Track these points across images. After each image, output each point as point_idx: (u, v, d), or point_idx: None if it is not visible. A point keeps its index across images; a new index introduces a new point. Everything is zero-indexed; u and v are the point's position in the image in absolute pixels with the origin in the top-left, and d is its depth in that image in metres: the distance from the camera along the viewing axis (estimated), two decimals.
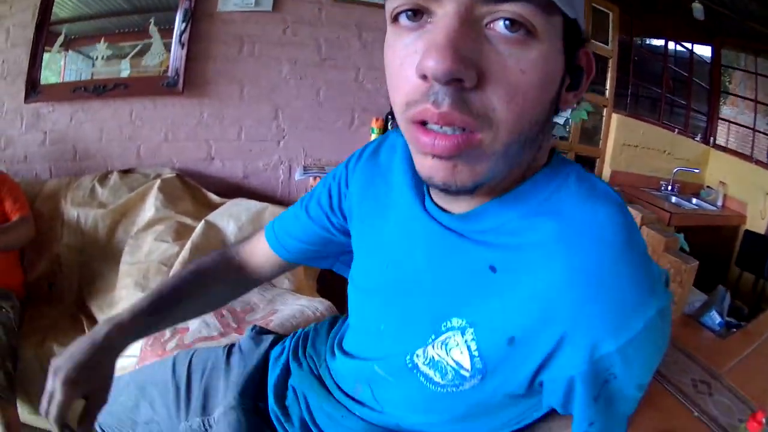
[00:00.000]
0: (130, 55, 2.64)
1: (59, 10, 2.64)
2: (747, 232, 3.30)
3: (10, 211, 2.30)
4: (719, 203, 3.61)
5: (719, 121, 3.85)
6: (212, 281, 0.98)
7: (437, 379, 0.66)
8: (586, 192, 0.60)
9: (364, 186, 0.78)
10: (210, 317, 1.69)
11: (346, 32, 2.44)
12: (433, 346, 0.66)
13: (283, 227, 0.94)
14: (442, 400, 0.67)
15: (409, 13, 0.51)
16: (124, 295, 2.05)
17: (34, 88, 2.71)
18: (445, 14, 0.48)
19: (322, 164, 2.42)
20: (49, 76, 2.77)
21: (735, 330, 1.27)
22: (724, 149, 3.80)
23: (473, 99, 0.48)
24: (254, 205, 2.16)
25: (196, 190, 2.42)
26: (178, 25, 2.51)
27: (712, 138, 3.80)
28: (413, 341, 0.68)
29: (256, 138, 2.48)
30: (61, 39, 2.69)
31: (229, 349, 1.06)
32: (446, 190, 0.55)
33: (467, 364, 0.63)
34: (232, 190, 2.36)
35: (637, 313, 0.54)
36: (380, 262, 0.74)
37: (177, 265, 2.01)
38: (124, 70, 2.65)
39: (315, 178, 2.34)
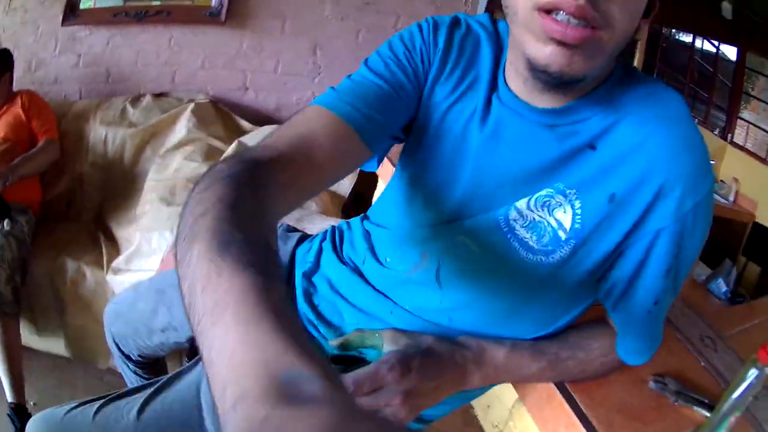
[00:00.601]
0: None
1: None
2: (755, 224, 3.31)
3: (37, 131, 2.29)
4: (731, 198, 3.61)
5: (738, 120, 3.85)
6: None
7: (532, 242, 0.69)
8: (659, 86, 0.68)
9: (449, 56, 0.74)
10: None
11: None
12: (534, 207, 0.69)
13: (347, 91, 0.71)
14: (523, 274, 0.70)
15: None
16: (147, 209, 2.02)
17: (73, 12, 2.69)
18: None
19: None
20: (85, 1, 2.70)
21: (740, 301, 1.27)
22: (741, 148, 3.79)
23: (601, 0, 0.53)
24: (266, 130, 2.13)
25: (227, 116, 2.43)
26: None
27: (729, 135, 3.80)
28: (507, 198, 0.70)
29: (291, 72, 2.47)
30: None
31: None
32: (555, 79, 0.58)
33: (568, 224, 0.67)
34: (262, 121, 2.35)
35: (706, 177, 0.64)
36: (461, 133, 0.73)
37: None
38: None
39: None
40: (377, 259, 0.81)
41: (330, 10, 2.44)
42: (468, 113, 0.71)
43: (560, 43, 0.55)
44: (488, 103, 0.70)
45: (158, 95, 2.51)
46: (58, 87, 2.74)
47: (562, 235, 0.67)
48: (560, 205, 0.67)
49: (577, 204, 0.67)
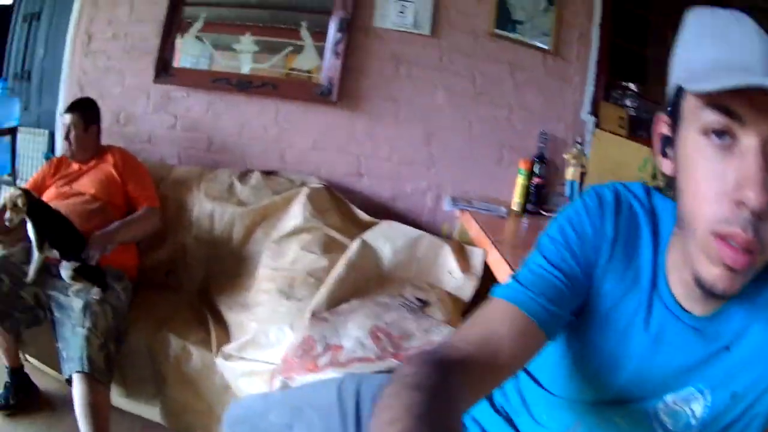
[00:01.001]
0: (280, 55, 2.52)
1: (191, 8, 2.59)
2: None
3: (136, 195, 2.25)
4: None
5: None
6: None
7: (669, 425, 0.79)
8: None
9: (616, 246, 0.78)
10: (366, 339, 1.64)
11: (499, 69, 2.45)
12: (677, 400, 0.78)
13: (530, 284, 0.74)
14: None
15: (718, 132, 0.60)
16: (265, 300, 1.99)
17: (165, 70, 2.65)
18: (750, 146, 0.59)
19: (469, 197, 2.43)
20: (180, 59, 2.71)
21: None
22: None
23: (762, 229, 0.60)
24: (410, 231, 2.11)
25: (343, 204, 2.37)
26: (333, 33, 2.47)
27: None
28: (658, 392, 0.78)
29: (406, 161, 2.46)
30: (198, 24, 2.63)
31: None
32: (715, 295, 0.66)
33: (699, 414, 0.77)
34: (377, 210, 2.34)
35: None
36: (625, 328, 0.79)
37: (332, 283, 1.90)
38: (273, 68, 2.53)
39: (462, 211, 2.34)
40: (533, 417, 0.86)
41: (443, 99, 2.44)
42: (632, 310, 0.78)
43: (728, 267, 0.62)
44: (650, 303, 0.77)
45: (267, 173, 2.45)
46: (153, 147, 2.71)
47: (693, 422, 0.78)
48: (697, 399, 0.77)
49: (708, 399, 0.77)
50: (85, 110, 2.29)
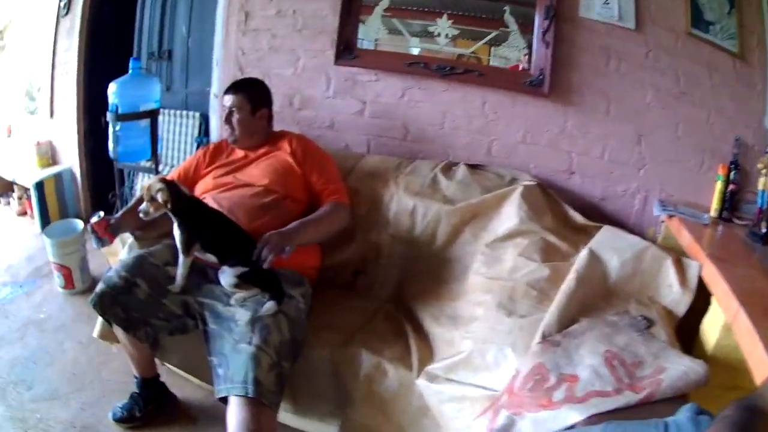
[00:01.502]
0: (483, 42, 2.41)
1: None
2: None
3: (320, 188, 2.01)
4: None
5: None
6: None
7: None
8: None
9: None
10: (602, 366, 1.43)
11: (698, 69, 2.32)
12: None
13: None
14: None
15: None
16: (481, 314, 1.74)
17: (349, 51, 2.48)
18: None
19: (674, 202, 2.30)
20: (363, 41, 2.52)
21: None
22: None
23: None
24: (636, 240, 1.86)
25: (557, 205, 2.14)
26: (540, 22, 2.31)
27: None
28: None
29: (617, 160, 2.32)
30: (384, 2, 2.44)
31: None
32: None
33: None
34: (585, 210, 2.17)
35: None
36: None
37: (563, 299, 1.64)
38: (475, 55, 2.41)
39: (670, 216, 2.21)
40: None
41: (651, 98, 2.30)
42: None
43: None
44: None
45: (473, 166, 2.26)
46: (336, 134, 2.54)
47: None
48: None
49: None
50: (253, 91, 2.08)
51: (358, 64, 2.41)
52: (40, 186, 3.75)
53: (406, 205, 2.13)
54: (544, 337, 1.50)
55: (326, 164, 2.05)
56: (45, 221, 3.77)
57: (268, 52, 2.64)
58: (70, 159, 3.96)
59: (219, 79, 2.82)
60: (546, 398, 1.32)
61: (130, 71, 2.64)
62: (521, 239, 1.95)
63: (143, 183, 1.96)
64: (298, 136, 2.11)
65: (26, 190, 3.92)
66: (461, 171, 2.22)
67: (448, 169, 2.24)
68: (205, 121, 3.15)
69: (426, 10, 2.45)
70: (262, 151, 2.05)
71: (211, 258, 1.70)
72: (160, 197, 1.62)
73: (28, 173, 3.94)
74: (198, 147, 3.06)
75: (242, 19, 2.70)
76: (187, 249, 1.68)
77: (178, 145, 3.35)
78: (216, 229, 1.69)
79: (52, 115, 4.00)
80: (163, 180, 1.66)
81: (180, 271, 1.70)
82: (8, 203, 4.42)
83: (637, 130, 2.30)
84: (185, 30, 3.28)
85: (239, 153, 2.07)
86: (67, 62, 3.73)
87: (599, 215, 2.25)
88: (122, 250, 2.00)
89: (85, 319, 2.48)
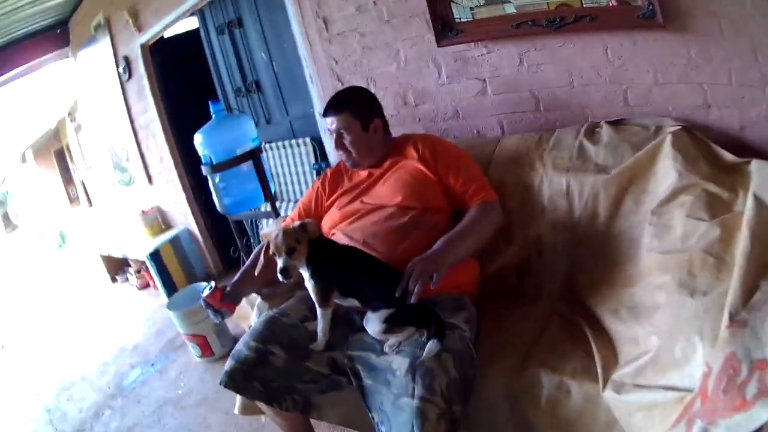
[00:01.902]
0: None
1: None
2: None
3: (462, 190, 1.72)
4: None
5: None
6: None
7: None
8: None
9: None
10: None
11: None
12: None
13: None
14: None
15: None
16: (662, 300, 1.39)
17: (448, 28, 2.17)
18: None
19: None
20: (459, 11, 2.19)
21: None
22: None
23: None
24: None
25: (705, 147, 1.81)
26: None
27: None
28: None
29: (745, 83, 1.92)
30: None
31: None
32: None
33: None
34: (727, 145, 1.80)
35: None
36: None
37: (743, 265, 1.26)
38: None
39: None
40: None
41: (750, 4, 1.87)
42: None
43: None
44: None
45: (614, 123, 1.94)
46: (464, 122, 2.29)
47: None
48: None
49: None
50: (357, 105, 1.84)
51: (464, 40, 2.12)
52: (156, 255, 3.76)
53: (558, 185, 1.85)
54: (731, 319, 1.19)
55: (462, 161, 1.80)
56: (171, 289, 3.76)
57: (363, 53, 2.42)
58: (184, 219, 3.90)
59: (318, 96, 2.66)
60: (740, 398, 1.05)
61: (213, 116, 2.46)
62: (685, 196, 1.63)
63: (263, 231, 1.74)
64: (422, 136, 1.89)
65: (143, 262, 3.91)
66: (605, 131, 1.91)
67: (592, 132, 1.94)
68: (318, 144, 2.99)
69: None
70: (387, 164, 1.84)
71: (354, 302, 1.49)
72: (301, 249, 1.42)
73: (140, 245, 3.94)
74: (317, 174, 2.89)
75: (322, 26, 2.52)
76: (325, 300, 1.46)
77: (296, 177, 3.21)
78: (352, 270, 1.47)
79: (150, 180, 4.02)
80: (289, 228, 1.45)
81: (321, 326, 1.50)
82: (126, 279, 4.47)
83: (752, 47, 1.90)
84: (264, 55, 3.10)
85: (362, 173, 1.87)
86: (148, 125, 3.72)
87: (743, 149, 1.85)
88: (252, 313, 1.85)
89: None
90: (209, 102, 2.47)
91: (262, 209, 2.81)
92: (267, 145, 3.28)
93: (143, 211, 4.01)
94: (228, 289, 1.69)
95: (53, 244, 7.64)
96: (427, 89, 2.31)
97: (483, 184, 1.75)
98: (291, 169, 3.21)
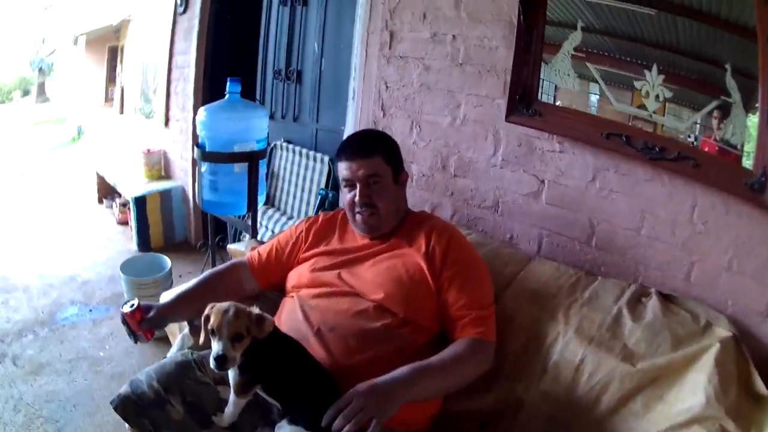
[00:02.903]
0: (702, 113, 1.56)
1: (560, 10, 1.69)
2: None
3: (458, 314, 1.38)
4: None
5: None
6: None
7: None
8: None
9: None
10: None
11: None
12: None
13: None
14: None
15: None
16: None
17: (526, 104, 1.76)
18: None
19: None
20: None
21: None
22: None
23: None
24: None
25: (744, 367, 1.43)
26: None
27: None
28: None
29: None
30: (574, 38, 1.68)
31: None
32: None
33: None
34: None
35: None
36: None
37: None
38: (690, 133, 1.57)
39: None
40: None
41: None
42: None
43: None
44: None
45: (665, 297, 1.56)
46: (499, 219, 1.91)
47: None
48: None
49: None
50: (389, 149, 1.52)
51: (539, 125, 1.73)
52: (141, 202, 3.44)
53: (573, 354, 1.49)
54: None
55: (473, 277, 1.43)
56: (144, 241, 3.50)
57: (419, 90, 2.02)
58: (184, 177, 3.56)
59: (354, 116, 2.29)
60: None
61: (226, 96, 2.03)
62: (698, 427, 1.34)
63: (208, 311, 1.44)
64: (442, 226, 1.51)
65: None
66: (652, 307, 1.54)
67: (637, 300, 1.57)
68: (334, 168, 2.54)
69: (629, 60, 1.64)
70: (390, 242, 1.49)
71: (276, 403, 1.27)
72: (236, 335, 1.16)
73: (133, 183, 3.66)
74: (320, 202, 2.44)
75: (386, 39, 2.15)
76: (244, 392, 1.24)
77: (296, 191, 2.82)
78: (286, 373, 1.22)
79: (167, 123, 3.70)
80: (245, 311, 1.18)
81: (230, 410, 1.28)
82: (111, 207, 4.22)
83: None
84: (317, 47, 2.64)
85: (358, 238, 1.53)
86: (184, 67, 3.40)
87: None
88: (175, 340, 1.58)
89: None
90: (229, 79, 2.03)
91: (243, 220, 2.47)
92: (283, 144, 2.92)
93: (149, 150, 3.75)
94: (152, 313, 1.41)
95: (69, 135, 7.38)
96: (474, 163, 1.88)
97: (485, 317, 1.38)
98: (296, 180, 2.83)
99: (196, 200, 2.19)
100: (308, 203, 2.73)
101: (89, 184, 4.63)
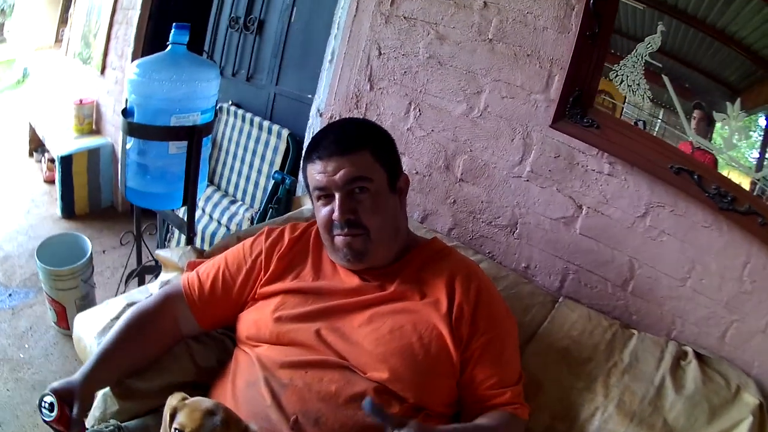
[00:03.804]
0: None
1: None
2: None
3: (486, 394, 1.02)
4: None
5: None
6: None
7: None
8: None
9: None
10: None
11: None
12: None
13: None
14: None
15: None
16: None
17: (581, 109, 1.36)
18: None
19: None
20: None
21: None
22: None
23: None
24: None
25: None
26: None
27: None
28: None
29: None
30: (653, 41, 1.32)
31: None
32: None
33: None
34: None
35: None
36: None
37: None
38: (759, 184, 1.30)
39: None
40: None
41: None
42: None
43: None
44: None
45: (699, 356, 1.32)
46: (515, 243, 1.52)
47: None
48: None
49: None
50: (381, 144, 1.11)
51: (593, 140, 1.36)
52: (67, 161, 2.99)
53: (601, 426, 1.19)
54: None
55: (509, 346, 1.08)
56: (68, 205, 3.08)
57: (426, 63, 1.63)
58: (114, 134, 3.11)
59: (328, 85, 1.84)
60: None
61: (168, 47, 1.61)
62: None
63: (176, 403, 0.96)
64: (465, 268, 1.12)
65: None
66: (692, 372, 1.29)
67: (677, 364, 1.30)
68: (295, 147, 2.08)
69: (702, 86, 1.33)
70: (387, 291, 1.07)
71: None
72: None
73: (60, 138, 3.22)
74: (272, 189, 1.91)
75: None
76: None
77: (245, 170, 2.38)
78: None
79: (103, 71, 3.24)
80: (234, 423, 0.82)
81: None
82: (40, 161, 3.76)
83: None
84: None
85: (342, 275, 1.12)
86: (129, 8, 2.99)
87: None
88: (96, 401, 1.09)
89: None
90: (174, 26, 1.50)
91: (175, 213, 1.98)
92: (231, 107, 2.41)
93: (81, 101, 3.32)
94: (75, 407, 0.92)
95: (15, 77, 6.56)
96: (491, 168, 1.48)
97: (519, 393, 1.05)
98: (245, 156, 2.32)
99: (118, 185, 1.64)
100: (258, 186, 2.22)
101: (22, 134, 4.10)
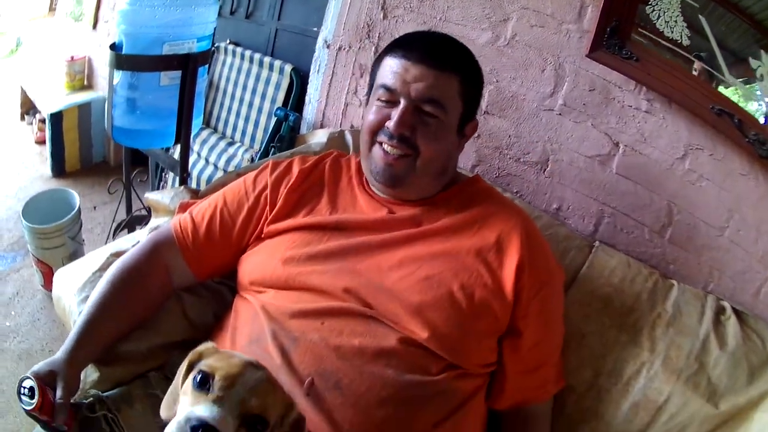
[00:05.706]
0: None
1: None
2: None
3: (527, 366, 0.89)
4: None
5: None
6: None
7: None
8: None
9: None
10: None
11: None
12: None
13: None
14: None
15: None
16: None
17: (619, 41, 1.18)
18: None
19: None
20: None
21: None
22: None
23: None
24: None
25: None
26: None
27: None
28: None
29: None
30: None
31: None
32: None
33: None
34: None
35: None
36: None
37: None
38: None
39: None
40: None
41: None
42: None
43: None
44: None
45: (738, 315, 1.16)
46: (546, 181, 1.33)
47: None
48: None
49: None
50: (472, 76, 0.94)
51: (629, 71, 1.20)
52: (57, 119, 2.75)
53: (657, 392, 1.05)
54: None
55: (558, 304, 0.95)
56: (58, 164, 2.86)
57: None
58: (106, 87, 2.76)
59: (337, 15, 1.61)
60: None
61: None
62: None
63: (206, 349, 0.72)
64: (516, 212, 0.95)
65: None
66: (732, 329, 1.12)
67: (718, 319, 1.15)
68: (299, 82, 1.86)
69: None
70: (425, 227, 0.90)
71: None
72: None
73: (51, 96, 2.97)
74: (275, 127, 1.83)
75: None
76: None
77: (248, 111, 2.07)
78: None
79: (95, 25, 2.99)
80: (280, 388, 0.63)
81: None
82: (31, 124, 3.46)
83: None
84: None
85: (363, 205, 0.94)
86: None
87: None
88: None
89: None
90: None
91: (168, 153, 1.77)
92: (228, 46, 2.20)
93: (72, 58, 3.02)
94: (59, 391, 0.74)
95: (8, 47, 6.19)
96: (519, 100, 1.35)
97: (560, 368, 0.94)
98: (244, 95, 2.11)
99: (105, 126, 1.41)
100: (258, 125, 2.02)
101: (14, 99, 3.90)
